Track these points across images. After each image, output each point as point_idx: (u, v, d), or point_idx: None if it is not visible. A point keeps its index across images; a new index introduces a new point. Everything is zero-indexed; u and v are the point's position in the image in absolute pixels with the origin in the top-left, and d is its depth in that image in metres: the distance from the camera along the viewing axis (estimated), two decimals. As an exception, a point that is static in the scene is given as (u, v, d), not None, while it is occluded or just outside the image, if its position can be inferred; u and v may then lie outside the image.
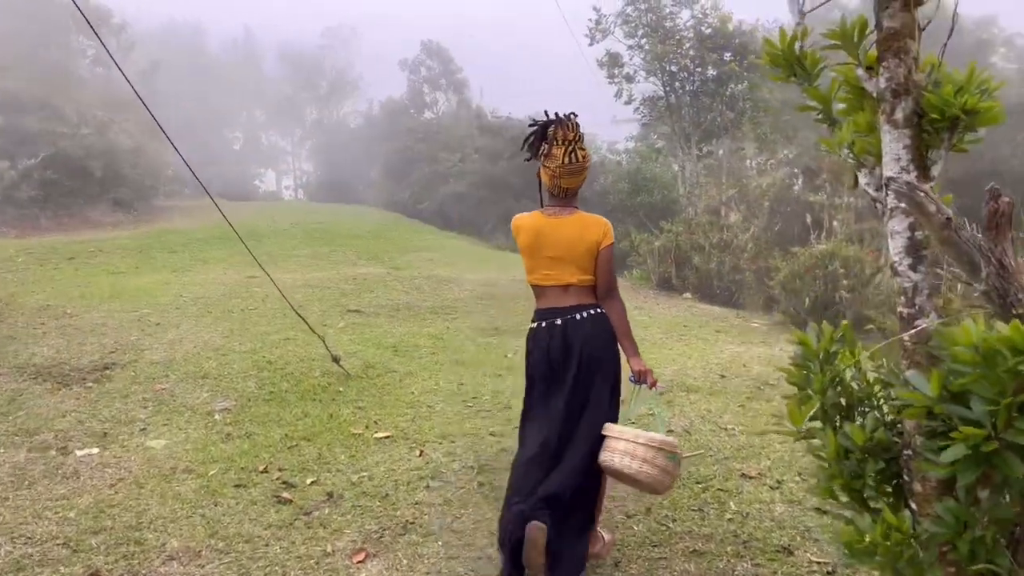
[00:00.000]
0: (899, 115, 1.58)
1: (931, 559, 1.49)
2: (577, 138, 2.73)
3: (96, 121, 19.37)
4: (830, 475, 1.68)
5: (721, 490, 3.66)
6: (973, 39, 17.78)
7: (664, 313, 9.68)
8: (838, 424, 1.71)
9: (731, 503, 3.51)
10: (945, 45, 1.63)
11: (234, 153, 42.16)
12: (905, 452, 1.59)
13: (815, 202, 12.34)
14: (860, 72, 1.70)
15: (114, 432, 4.37)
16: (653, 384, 2.84)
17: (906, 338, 1.58)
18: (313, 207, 26.94)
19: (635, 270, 13.32)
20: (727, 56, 17.58)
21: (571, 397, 2.74)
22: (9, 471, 3.75)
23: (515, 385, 5.51)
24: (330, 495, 3.56)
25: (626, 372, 2.85)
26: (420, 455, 4.10)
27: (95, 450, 4.09)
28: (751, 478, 3.80)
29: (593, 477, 2.74)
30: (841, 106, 1.85)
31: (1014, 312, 1.45)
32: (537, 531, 2.54)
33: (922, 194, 1.51)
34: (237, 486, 3.65)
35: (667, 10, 17.90)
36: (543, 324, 2.81)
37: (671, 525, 3.28)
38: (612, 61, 18.72)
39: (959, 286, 5.81)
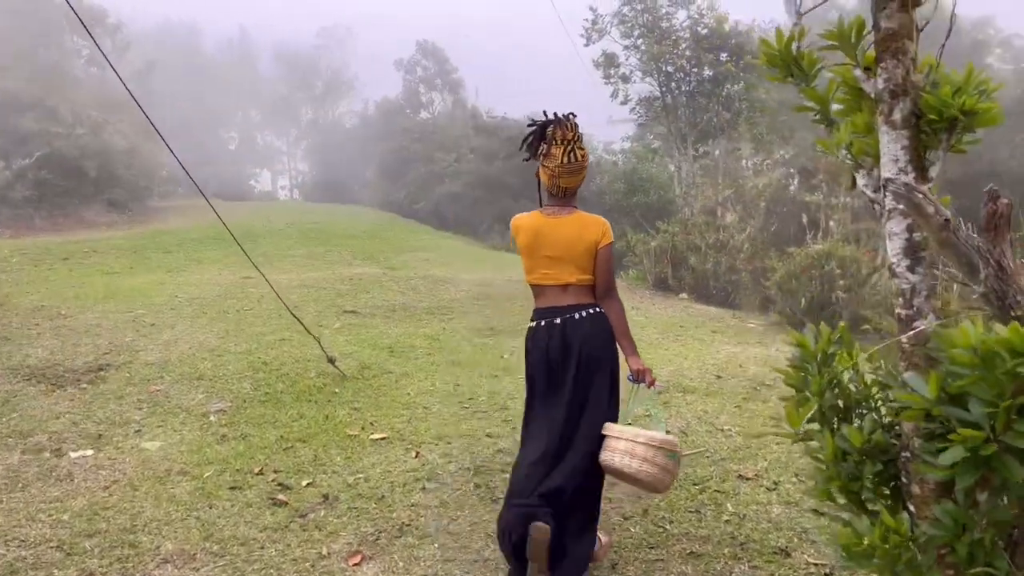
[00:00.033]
0: (897, 116, 1.58)
1: (929, 562, 1.48)
2: (576, 138, 2.75)
3: (91, 121, 19.32)
4: (828, 477, 1.68)
5: (718, 491, 3.65)
6: (970, 40, 17.85)
7: (660, 313, 9.68)
8: (836, 426, 1.70)
9: (728, 504, 3.50)
10: (943, 46, 1.63)
11: (229, 153, 42.14)
12: (903, 454, 1.59)
13: (811, 202, 12.36)
14: (858, 73, 1.70)
15: (108, 434, 4.35)
16: (652, 383, 2.85)
17: (904, 340, 1.57)
18: (309, 207, 26.90)
19: (631, 270, 13.32)
20: (723, 56, 17.61)
21: (571, 397, 2.74)
22: (2, 473, 3.73)
23: (511, 386, 5.51)
24: (326, 497, 3.55)
25: (624, 371, 2.86)
26: (416, 457, 4.09)
27: (89, 452, 4.07)
28: (748, 479, 3.80)
29: (594, 477, 2.75)
30: (838, 107, 1.85)
31: (1013, 314, 1.45)
32: (540, 531, 2.55)
33: (920, 195, 1.50)
34: (232, 488, 3.63)
35: (663, 10, 17.92)
36: (542, 323, 2.82)
37: (668, 527, 3.28)
38: (608, 61, 18.73)
39: (954, 287, 5.81)
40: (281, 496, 3.53)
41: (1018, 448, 1.29)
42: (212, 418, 4.66)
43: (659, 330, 8.22)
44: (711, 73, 17.88)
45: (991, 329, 1.33)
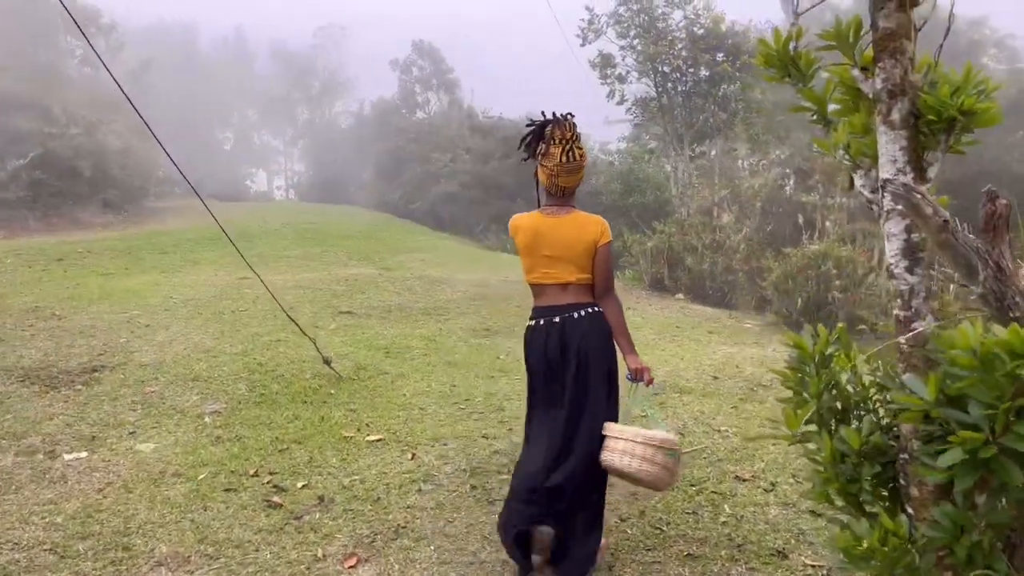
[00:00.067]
0: (895, 116, 1.57)
1: (929, 564, 1.48)
2: (574, 137, 2.78)
3: (85, 121, 19.27)
4: (826, 479, 1.67)
5: (715, 493, 3.64)
6: (965, 40, 17.89)
7: (657, 314, 9.67)
8: (834, 428, 1.70)
9: (725, 506, 3.49)
10: (941, 46, 1.62)
11: (225, 153, 42.09)
12: (901, 456, 1.58)
13: (807, 203, 12.37)
14: (856, 73, 1.69)
15: (103, 435, 4.32)
16: (650, 382, 2.87)
17: (902, 341, 1.56)
18: (304, 207, 26.85)
19: (627, 271, 13.32)
20: (720, 57, 17.62)
21: (571, 396, 2.77)
22: (-5, 476, 3.71)
23: (508, 387, 5.50)
24: (321, 499, 3.53)
25: (623, 370, 2.87)
26: (412, 458, 4.07)
27: (83, 454, 4.04)
28: (745, 480, 3.79)
29: (596, 476, 2.76)
30: (836, 107, 1.84)
31: (1011, 315, 1.44)
32: (543, 533, 2.61)
33: (919, 196, 1.49)
34: (227, 490, 3.61)
35: (659, 11, 17.94)
36: (541, 322, 2.85)
37: (665, 528, 3.27)
38: (604, 62, 18.73)
39: (951, 287, 5.82)
40: (276, 498, 3.51)
41: (1017, 450, 1.28)
42: (207, 419, 4.64)
43: (655, 331, 8.22)
44: (707, 73, 17.90)
45: (990, 330, 1.32)
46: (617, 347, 2.87)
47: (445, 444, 4.30)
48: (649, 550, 3.07)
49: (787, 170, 15.74)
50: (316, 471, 3.87)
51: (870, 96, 1.64)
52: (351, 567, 2.92)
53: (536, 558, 2.63)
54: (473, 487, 3.70)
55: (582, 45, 18.52)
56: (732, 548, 3.07)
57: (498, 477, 3.81)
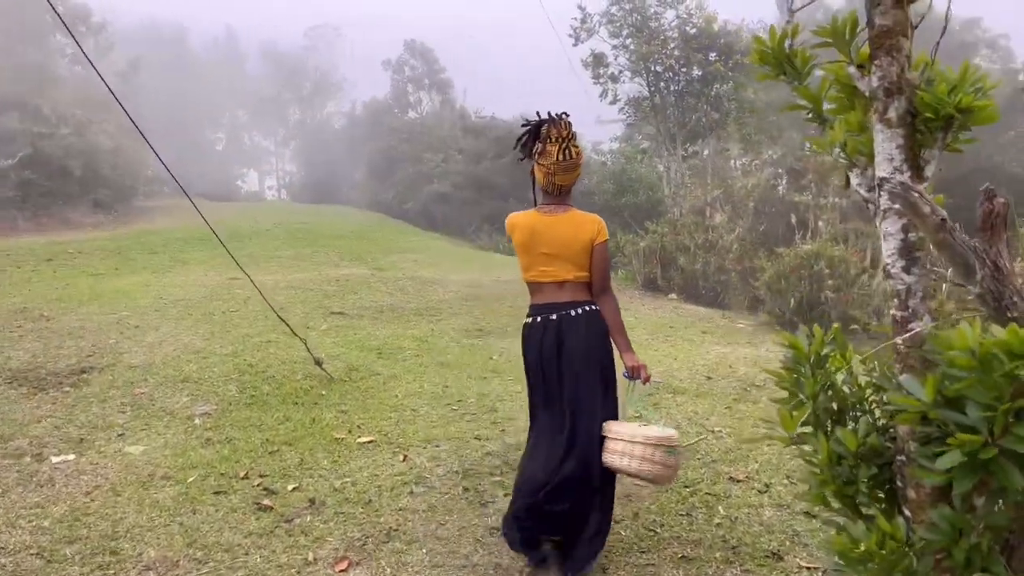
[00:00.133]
0: (892, 114, 1.55)
1: (926, 567, 1.46)
2: (570, 135, 2.81)
3: (75, 121, 19.15)
4: (822, 481, 1.65)
5: (709, 494, 3.63)
6: (958, 40, 17.98)
7: (650, 314, 9.67)
8: (830, 429, 1.68)
9: (719, 507, 3.47)
10: (938, 43, 1.60)
11: (216, 153, 41.92)
12: (899, 458, 1.56)
13: (800, 202, 12.38)
14: (852, 70, 1.67)
15: (91, 438, 4.28)
16: (647, 379, 2.87)
17: (899, 341, 1.54)
18: (296, 207, 26.77)
19: (620, 271, 13.31)
20: (712, 56, 17.62)
21: (570, 395, 2.78)
22: (-19, 479, 3.66)
23: (500, 388, 5.47)
24: (312, 502, 3.49)
25: (620, 368, 2.87)
26: (404, 460, 4.04)
27: (71, 456, 4.00)
28: (739, 481, 3.77)
29: (598, 475, 2.76)
30: (831, 105, 1.82)
31: (1009, 315, 1.42)
32: (549, 542, 2.68)
33: (916, 195, 1.47)
34: (216, 493, 3.57)
35: (652, 10, 17.91)
36: (538, 319, 2.87)
37: (659, 530, 3.25)
38: (597, 61, 18.71)
39: (944, 287, 5.82)
40: (266, 501, 3.48)
41: (1017, 453, 1.27)
42: (197, 421, 4.59)
43: (649, 331, 8.21)
44: (700, 73, 17.89)
45: (988, 330, 1.31)
46: (614, 345, 2.89)
47: (437, 446, 4.27)
48: (643, 552, 3.05)
49: (780, 170, 15.77)
50: (307, 473, 3.84)
51: (866, 94, 1.62)
52: (342, 571, 2.88)
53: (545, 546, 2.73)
54: (465, 489, 3.67)
55: (574, 44, 18.50)
56: (727, 550, 3.06)
57: (491, 479, 3.78)
